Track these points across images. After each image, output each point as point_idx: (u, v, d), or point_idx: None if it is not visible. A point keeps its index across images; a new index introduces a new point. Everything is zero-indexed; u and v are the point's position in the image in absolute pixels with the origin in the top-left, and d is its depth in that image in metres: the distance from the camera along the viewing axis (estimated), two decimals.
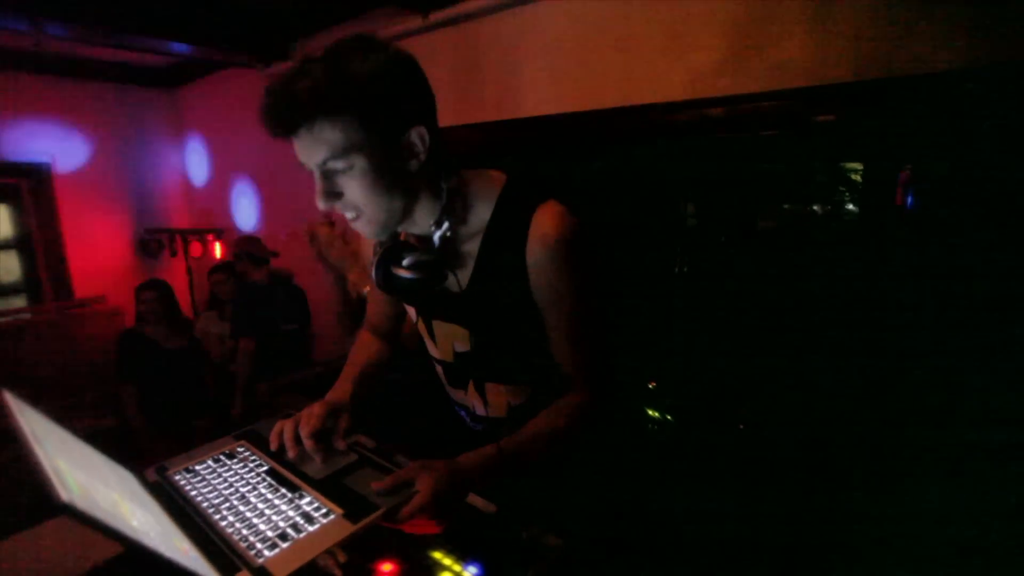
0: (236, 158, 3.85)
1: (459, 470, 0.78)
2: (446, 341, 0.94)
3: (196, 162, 4.27)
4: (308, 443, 0.84)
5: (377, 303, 1.11)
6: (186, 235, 3.92)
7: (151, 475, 0.82)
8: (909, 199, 1.35)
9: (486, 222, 0.81)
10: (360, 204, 0.74)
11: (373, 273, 0.83)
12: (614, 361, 0.89)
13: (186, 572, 0.53)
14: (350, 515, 0.71)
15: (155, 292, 2.77)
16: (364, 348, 1.10)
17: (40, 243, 3.77)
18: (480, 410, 1.00)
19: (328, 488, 0.77)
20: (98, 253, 3.96)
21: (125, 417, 2.56)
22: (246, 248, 2.81)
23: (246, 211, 3.88)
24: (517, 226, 0.78)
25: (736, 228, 1.90)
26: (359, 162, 0.70)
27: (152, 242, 4.02)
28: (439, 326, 0.93)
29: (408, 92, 0.73)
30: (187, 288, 4.05)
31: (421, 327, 0.98)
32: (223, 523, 0.70)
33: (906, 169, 1.34)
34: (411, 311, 1.01)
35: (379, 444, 1.01)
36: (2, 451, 1.71)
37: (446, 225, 0.78)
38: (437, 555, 0.79)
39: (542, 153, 2.14)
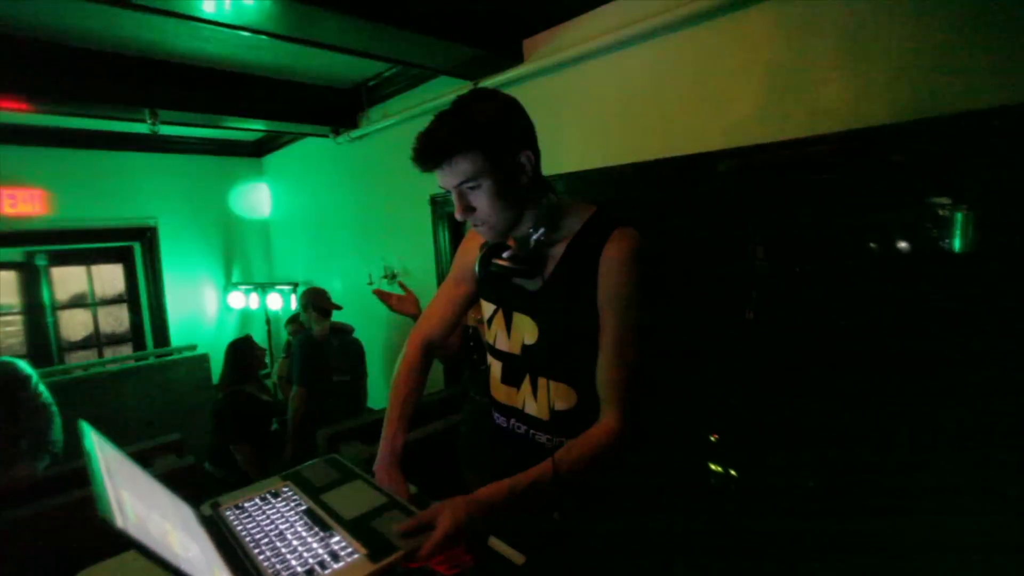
0: (311, 217, 4.20)
1: (478, 504, 0.82)
2: (519, 333, 1.06)
3: (276, 221, 4.70)
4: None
5: (442, 306, 1.21)
6: (265, 288, 4.27)
7: (206, 510, 0.91)
8: (960, 240, 1.27)
9: (574, 234, 0.99)
10: (487, 214, 0.95)
11: (477, 267, 1.02)
12: (650, 389, 0.96)
13: None
14: (372, 555, 0.75)
15: (262, 349, 2.98)
16: (407, 391, 1.16)
17: (145, 297, 4.24)
18: (529, 408, 1.06)
19: (357, 528, 0.82)
20: (192, 305, 4.40)
21: (244, 471, 2.68)
22: (312, 300, 2.97)
23: (316, 265, 4.19)
24: (598, 237, 0.96)
25: (802, 269, 1.83)
26: (485, 183, 0.92)
27: (238, 294, 4.41)
28: (517, 318, 1.06)
29: (515, 126, 0.96)
30: (267, 337, 4.39)
31: (499, 322, 1.10)
32: (260, 556, 0.77)
33: (959, 208, 1.28)
34: (488, 309, 1.13)
35: (419, 490, 1.06)
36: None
37: (542, 230, 0.98)
38: None
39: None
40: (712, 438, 2.24)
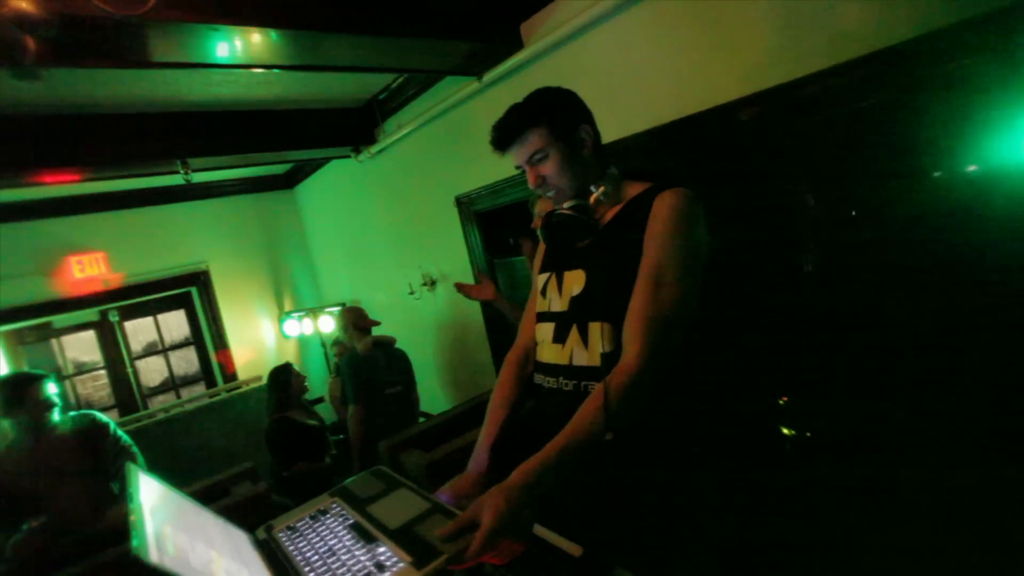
0: (347, 236, 4.31)
1: (514, 487, 0.81)
2: (569, 289, 1.11)
3: (316, 245, 4.85)
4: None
5: (530, 320, 1.25)
6: (316, 312, 4.42)
7: (260, 533, 0.93)
8: None
9: (628, 199, 1.08)
10: (555, 182, 1.08)
11: (542, 225, 1.13)
12: (675, 340, 0.97)
13: None
14: (417, 563, 0.74)
15: (299, 371, 3.08)
16: (502, 406, 1.19)
17: (209, 337, 4.49)
18: (578, 357, 1.06)
19: (402, 537, 0.81)
20: (252, 338, 4.61)
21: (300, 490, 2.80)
22: (351, 319, 3.02)
23: (359, 283, 4.29)
24: (651, 195, 1.03)
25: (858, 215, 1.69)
26: (552, 152, 1.06)
27: (291, 322, 4.59)
28: (568, 276, 1.12)
29: (573, 104, 1.12)
30: (324, 358, 4.54)
31: (552, 285, 1.15)
32: (312, 574, 0.77)
33: None
34: (542, 280, 1.19)
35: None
36: None
37: (601, 188, 1.08)
38: None
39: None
40: (781, 401, 2.13)
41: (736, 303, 1.93)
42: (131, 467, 0.79)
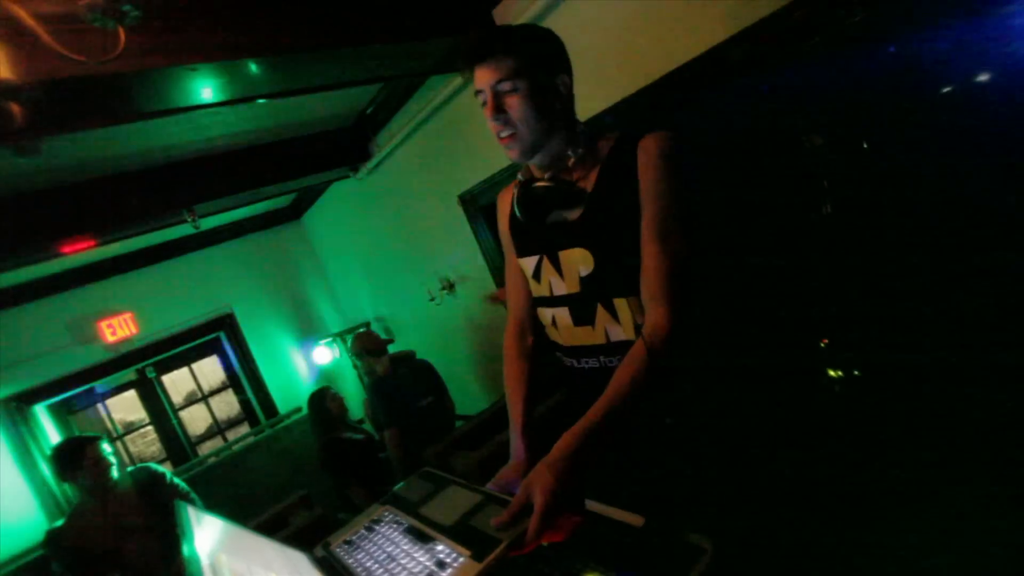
0: (360, 256, 4.33)
1: (559, 460, 0.80)
2: (571, 269, 1.03)
3: (332, 270, 4.89)
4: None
5: (516, 288, 1.20)
6: (343, 336, 4.46)
7: (319, 551, 0.93)
8: None
9: (606, 153, 1.00)
10: (518, 120, 0.95)
11: (515, 205, 1.04)
12: (694, 281, 0.93)
13: None
14: (476, 555, 0.72)
15: (336, 393, 3.12)
16: (516, 383, 1.15)
17: (244, 378, 4.56)
18: (614, 334, 1.01)
19: (457, 532, 0.80)
20: (284, 372, 4.67)
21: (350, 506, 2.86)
22: (363, 345, 3.00)
23: (379, 299, 4.31)
24: (631, 144, 0.97)
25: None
26: (522, 86, 0.93)
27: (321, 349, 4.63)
28: (564, 256, 1.03)
29: (558, 52, 1.00)
30: (358, 380, 4.57)
31: (548, 268, 1.07)
32: None
33: None
34: (530, 265, 1.10)
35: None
36: None
37: (579, 150, 1.00)
38: (590, 575, 0.77)
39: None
40: (822, 343, 2.06)
41: (755, 252, 1.88)
42: (180, 504, 0.78)
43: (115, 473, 2.17)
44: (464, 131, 2.65)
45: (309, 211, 4.73)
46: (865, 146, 1.66)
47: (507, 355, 1.18)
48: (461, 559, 0.73)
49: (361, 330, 4.11)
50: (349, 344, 3.12)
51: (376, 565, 0.81)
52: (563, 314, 1.07)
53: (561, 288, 1.05)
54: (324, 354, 4.59)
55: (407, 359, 3.08)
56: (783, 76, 1.66)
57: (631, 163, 0.95)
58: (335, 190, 4.16)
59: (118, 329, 3.97)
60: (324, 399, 3.02)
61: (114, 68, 1.41)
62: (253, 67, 1.82)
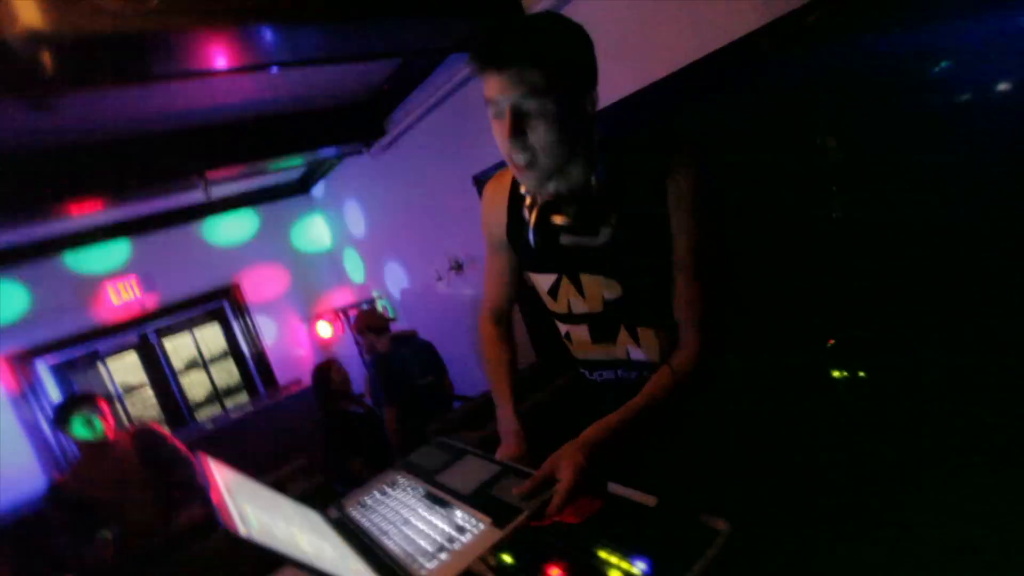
0: (369, 232, 4.33)
1: (590, 442, 0.80)
2: (594, 292, 0.97)
3: (339, 245, 4.88)
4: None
5: (494, 282, 1.16)
6: (347, 310, 4.46)
7: (333, 512, 0.94)
8: None
9: (633, 178, 0.88)
10: (539, 146, 0.81)
11: (532, 237, 0.90)
12: (728, 314, 0.91)
13: None
14: (497, 522, 0.73)
15: (341, 366, 3.13)
16: (499, 363, 1.13)
17: (245, 347, 4.57)
18: (636, 355, 0.99)
19: (476, 500, 0.80)
20: (286, 344, 4.69)
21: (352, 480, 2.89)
22: (366, 323, 3.02)
23: (385, 276, 4.31)
24: (658, 161, 0.86)
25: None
26: (550, 107, 0.79)
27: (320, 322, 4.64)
28: (588, 279, 0.96)
29: (592, 61, 0.85)
30: (358, 355, 4.59)
31: (567, 288, 1.00)
32: (390, 544, 0.77)
33: None
34: (545, 281, 1.02)
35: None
36: None
37: (601, 169, 0.87)
38: (603, 553, 0.78)
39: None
40: (829, 343, 2.07)
41: (767, 252, 1.88)
42: (204, 456, 0.79)
43: (105, 429, 2.20)
44: (483, 113, 2.62)
45: (317, 185, 4.71)
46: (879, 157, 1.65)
47: (486, 339, 1.16)
48: (481, 525, 0.74)
49: (364, 307, 4.12)
50: (352, 320, 3.13)
51: (392, 527, 0.82)
52: (581, 331, 1.03)
53: (582, 307, 1.00)
54: (326, 329, 4.60)
55: (409, 338, 3.09)
56: (794, 74, 1.66)
57: (661, 188, 0.85)
58: (347, 165, 4.14)
59: (123, 292, 3.97)
60: (329, 371, 3.03)
61: (142, 25, 1.40)
62: (273, 33, 1.80)
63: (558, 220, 0.88)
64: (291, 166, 3.79)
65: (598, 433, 0.82)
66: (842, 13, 1.40)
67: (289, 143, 3.15)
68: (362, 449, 2.92)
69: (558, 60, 0.78)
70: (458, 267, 3.34)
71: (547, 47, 0.78)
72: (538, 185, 0.88)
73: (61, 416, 2.17)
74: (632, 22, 1.89)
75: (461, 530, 0.74)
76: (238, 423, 3.94)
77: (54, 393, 3.78)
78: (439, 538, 0.74)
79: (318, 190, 4.77)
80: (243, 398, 4.66)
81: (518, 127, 0.80)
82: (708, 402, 1.04)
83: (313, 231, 4.91)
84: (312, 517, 0.86)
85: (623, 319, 0.97)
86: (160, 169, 2.83)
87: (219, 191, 3.69)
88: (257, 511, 0.67)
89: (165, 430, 2.40)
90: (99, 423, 2.18)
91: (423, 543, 0.75)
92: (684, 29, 1.75)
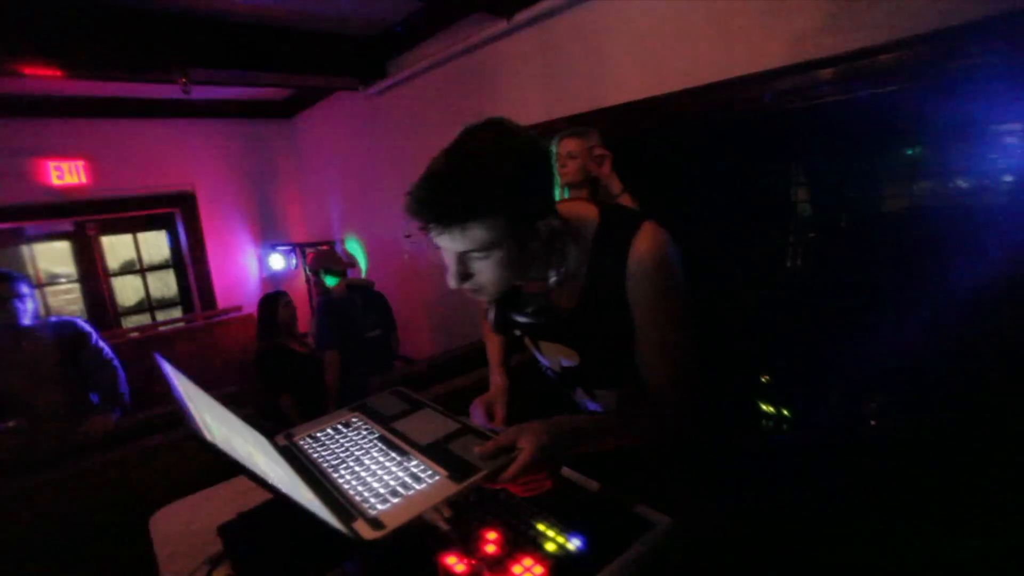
0: (344, 174, 4.18)
1: (559, 427, 0.80)
2: (553, 355, 0.99)
3: (310, 180, 4.70)
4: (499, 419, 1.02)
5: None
6: (304, 248, 4.31)
7: (280, 440, 0.91)
8: None
9: (589, 247, 0.86)
10: (487, 284, 0.81)
11: (492, 323, 0.97)
12: (700, 386, 0.89)
13: (310, 514, 0.58)
14: (454, 476, 0.73)
15: (291, 301, 3.03)
16: (494, 342, 1.20)
17: (189, 262, 4.35)
18: (592, 405, 1.03)
19: (433, 453, 0.80)
20: (233, 268, 4.49)
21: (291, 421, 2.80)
22: (323, 263, 2.95)
23: (352, 221, 4.19)
24: (620, 247, 0.82)
25: (857, 211, 1.69)
26: (497, 253, 0.77)
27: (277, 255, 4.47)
28: (546, 345, 0.98)
29: (545, 185, 0.79)
30: (306, 295, 4.46)
31: (529, 343, 1.04)
32: (340, 480, 0.76)
33: None
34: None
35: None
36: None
37: (561, 270, 0.85)
38: (541, 526, 0.80)
39: (638, 140, 2.07)
40: (763, 379, 2.18)
41: (725, 289, 1.95)
42: (158, 357, 0.75)
43: (26, 316, 2.06)
44: (494, 79, 2.58)
45: (302, 114, 4.49)
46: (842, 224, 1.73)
47: (486, 333, 1.21)
48: (437, 477, 0.74)
49: (324, 247, 3.99)
50: (308, 258, 3.03)
51: (344, 465, 0.81)
52: (542, 361, 1.07)
53: (544, 361, 1.04)
54: (279, 261, 4.44)
55: (364, 288, 3.02)
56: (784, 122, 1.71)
57: (622, 260, 0.82)
58: (337, 100, 3.97)
59: (67, 174, 3.68)
60: (278, 303, 2.93)
61: None
62: None
63: (523, 320, 0.93)
64: (280, 84, 3.58)
65: (567, 421, 0.83)
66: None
67: (284, 60, 2.98)
68: (295, 388, 2.85)
69: (507, 208, 0.73)
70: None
71: (496, 200, 0.72)
72: (491, 301, 0.92)
73: None
74: (666, 29, 1.89)
75: (416, 479, 0.74)
76: (167, 336, 3.76)
77: None
78: (392, 482, 0.74)
79: (302, 118, 4.55)
80: (177, 313, 4.44)
81: (464, 270, 0.79)
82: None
83: (286, 159, 4.70)
84: (261, 440, 0.83)
85: (579, 383, 1.00)
86: (139, 51, 2.62)
87: (198, 93, 3.45)
88: (216, 422, 0.64)
89: (91, 329, 2.25)
90: (16, 305, 2.02)
91: (375, 484, 0.74)
92: (715, 50, 1.77)
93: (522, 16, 2.29)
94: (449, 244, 0.77)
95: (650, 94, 1.92)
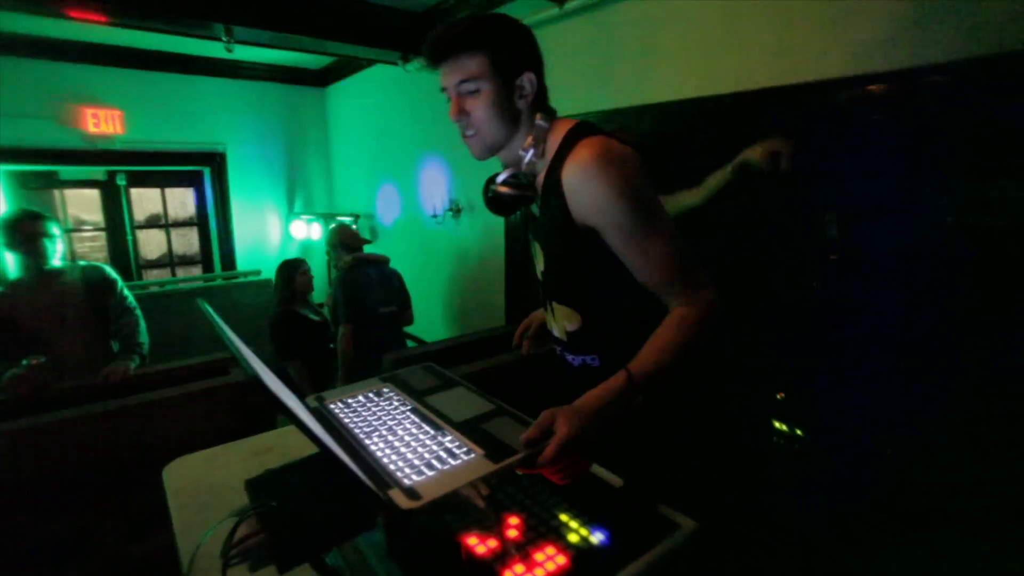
0: (375, 148, 4.17)
1: (586, 408, 0.81)
2: (539, 259, 1.07)
3: (339, 151, 4.70)
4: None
5: None
6: (327, 218, 4.32)
7: (311, 402, 0.91)
8: None
9: (550, 158, 0.96)
10: (479, 122, 0.95)
11: (482, 193, 1.07)
12: (708, 273, 0.91)
13: (353, 474, 0.57)
14: (491, 455, 0.72)
15: (308, 269, 3.04)
16: None
17: (214, 221, 4.38)
18: (555, 330, 1.09)
19: (468, 430, 0.79)
20: (256, 231, 4.51)
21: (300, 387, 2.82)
22: (341, 237, 2.96)
23: (378, 197, 4.19)
24: (562, 155, 0.92)
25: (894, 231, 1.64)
26: (485, 87, 0.92)
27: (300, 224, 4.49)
28: (534, 246, 1.08)
29: (524, 48, 0.96)
30: (327, 267, 4.48)
31: (530, 248, 1.12)
32: (374, 448, 0.75)
33: None
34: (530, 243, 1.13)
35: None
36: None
37: (531, 152, 0.96)
38: (564, 516, 0.78)
39: (683, 140, 2.03)
40: (779, 396, 2.14)
41: (748, 298, 1.91)
42: (200, 302, 0.75)
43: (56, 257, 2.08)
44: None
45: (337, 83, 4.48)
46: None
47: None
48: (473, 455, 0.72)
49: (347, 220, 4.00)
50: (328, 231, 3.04)
51: (377, 433, 0.80)
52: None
53: (538, 272, 1.12)
54: (301, 229, 4.45)
55: (379, 263, 3.03)
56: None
57: (557, 184, 0.91)
58: (374, 72, 3.95)
59: (103, 123, 3.71)
60: (296, 270, 2.94)
61: None
62: None
63: (499, 188, 0.98)
64: (321, 52, 3.57)
65: (590, 402, 0.83)
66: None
67: (332, 26, 2.96)
68: (305, 356, 2.87)
69: (491, 48, 0.91)
70: (456, 210, 3.27)
71: (481, 37, 0.91)
72: (481, 155, 1.00)
73: (11, 226, 2.00)
74: (721, 27, 1.85)
75: (452, 454, 0.73)
76: (186, 292, 3.79)
77: (0, 202, 3.52)
78: (428, 455, 0.73)
79: (336, 88, 4.54)
80: (197, 271, 4.48)
81: (460, 106, 0.95)
82: (687, 411, 1.07)
83: (317, 128, 4.70)
84: (294, 398, 0.82)
85: (547, 293, 1.07)
86: (186, 4, 2.62)
87: (238, 53, 3.45)
88: (258, 366, 0.63)
89: (117, 276, 2.27)
90: (46, 244, 2.04)
91: (410, 455, 0.73)
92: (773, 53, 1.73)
93: (574, 3, 2.26)
94: (448, 78, 0.94)
95: (699, 94, 1.88)
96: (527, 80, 0.94)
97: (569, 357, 1.07)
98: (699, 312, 0.88)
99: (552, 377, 1.17)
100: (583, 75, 2.30)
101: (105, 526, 1.75)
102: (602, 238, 0.90)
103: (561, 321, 1.04)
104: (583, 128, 0.95)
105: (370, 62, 3.80)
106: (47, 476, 1.69)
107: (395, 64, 3.39)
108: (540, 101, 0.98)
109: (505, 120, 0.95)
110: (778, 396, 2.17)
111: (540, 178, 0.98)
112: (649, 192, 0.88)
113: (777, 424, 2.10)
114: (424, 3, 3.04)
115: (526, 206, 1.02)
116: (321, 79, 4.56)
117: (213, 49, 2.97)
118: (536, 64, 0.97)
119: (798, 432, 2.04)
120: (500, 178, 0.99)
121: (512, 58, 0.93)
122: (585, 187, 0.87)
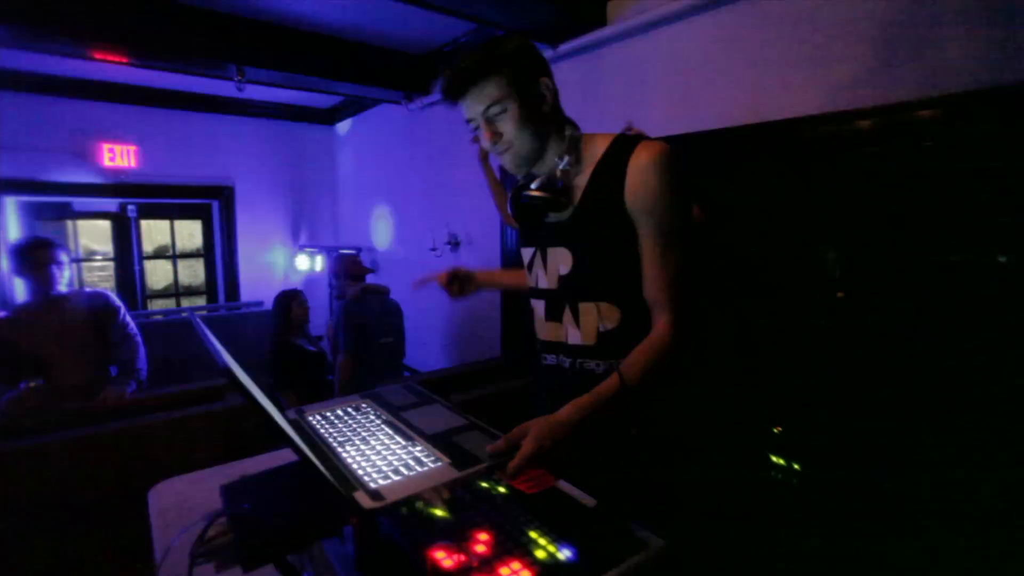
0: (379, 183, 4.29)
1: (558, 423, 0.83)
2: (555, 266, 1.08)
3: (344, 186, 4.83)
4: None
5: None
6: (330, 252, 4.41)
7: (291, 414, 0.94)
8: None
9: (598, 159, 1.01)
10: (512, 138, 0.99)
11: (509, 204, 1.12)
12: (697, 290, 0.97)
13: (320, 473, 0.60)
14: (456, 464, 0.74)
15: (305, 300, 3.10)
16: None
17: (219, 253, 4.48)
18: (573, 338, 1.06)
19: (438, 442, 0.82)
20: (260, 264, 4.60)
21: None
22: (344, 267, 3.02)
23: (380, 231, 4.28)
24: (624, 153, 0.97)
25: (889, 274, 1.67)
26: (511, 106, 0.97)
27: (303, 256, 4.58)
28: (551, 252, 1.08)
29: (531, 57, 1.01)
30: (328, 300, 4.53)
31: (538, 261, 1.12)
32: (345, 455, 0.78)
33: None
34: (527, 255, 1.16)
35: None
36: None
37: (567, 158, 1.01)
38: (533, 533, 0.79)
39: None
40: (775, 430, 2.13)
41: (748, 328, 1.93)
42: (196, 318, 0.79)
43: (63, 283, 2.14)
44: None
45: (343, 121, 4.66)
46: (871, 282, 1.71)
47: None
48: (440, 463, 0.75)
49: (351, 252, 4.08)
50: (332, 261, 3.11)
51: (350, 443, 0.83)
52: (540, 307, 1.13)
53: (544, 283, 1.11)
54: (304, 262, 4.54)
55: (381, 294, 3.08)
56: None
57: (622, 169, 0.96)
58: (379, 112, 4.11)
59: (118, 157, 3.85)
60: (292, 300, 3.00)
61: None
62: None
63: (532, 192, 1.02)
64: (330, 92, 3.73)
65: (569, 415, 0.85)
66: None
67: (338, 67, 3.11)
68: (300, 386, 2.89)
69: (503, 68, 0.95)
70: (455, 244, 3.35)
71: (491, 62, 0.95)
72: (519, 165, 1.04)
73: (22, 253, 2.08)
74: (696, 69, 1.94)
75: (419, 462, 0.76)
76: (188, 325, 3.85)
77: (13, 231, 3.62)
78: (396, 462, 0.76)
79: (343, 126, 4.72)
80: (201, 302, 4.55)
81: (492, 130, 0.99)
82: (660, 428, 1.08)
83: (323, 165, 4.85)
84: (275, 410, 0.86)
85: (569, 297, 1.06)
86: (201, 44, 2.77)
87: (248, 92, 3.61)
88: (249, 384, 0.67)
89: (120, 303, 2.33)
90: (53, 271, 2.11)
91: (379, 462, 0.76)
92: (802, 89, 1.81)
93: (567, 47, 2.38)
94: (473, 109, 0.98)
95: (684, 131, 1.96)
96: (544, 85, 1.00)
97: (592, 365, 1.04)
98: (680, 335, 0.93)
99: (554, 403, 1.14)
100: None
101: (92, 554, 1.74)
102: (638, 232, 0.96)
103: (592, 323, 1.03)
104: (633, 136, 1.01)
105: (375, 101, 3.96)
106: (27, 500, 1.70)
107: (398, 103, 3.54)
108: (559, 106, 1.05)
109: (537, 129, 1.00)
110: (775, 430, 2.16)
111: (580, 179, 1.02)
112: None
113: (774, 458, 2.08)
114: (426, 46, 3.20)
115: (555, 211, 1.05)
116: (329, 117, 4.75)
117: (225, 88, 3.12)
118: (545, 68, 1.03)
119: (795, 467, 2.03)
120: (535, 183, 1.03)
121: (525, 70, 0.98)
122: (653, 171, 0.93)
